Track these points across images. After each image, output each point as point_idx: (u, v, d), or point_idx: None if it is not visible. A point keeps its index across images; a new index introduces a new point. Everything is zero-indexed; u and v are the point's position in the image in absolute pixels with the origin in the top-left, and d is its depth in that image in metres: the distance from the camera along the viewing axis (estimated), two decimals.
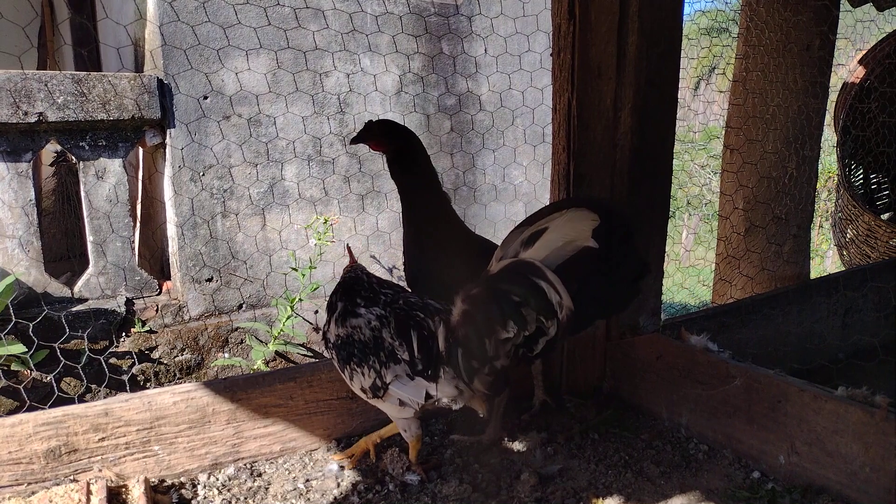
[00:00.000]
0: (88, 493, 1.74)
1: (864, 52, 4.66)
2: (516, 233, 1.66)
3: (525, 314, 1.61)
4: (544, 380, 2.34)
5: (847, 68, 4.76)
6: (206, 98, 4.39)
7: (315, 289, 4.54)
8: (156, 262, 4.93)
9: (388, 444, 2.09)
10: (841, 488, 1.75)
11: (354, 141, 2.08)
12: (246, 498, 1.86)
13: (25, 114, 3.80)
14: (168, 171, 4.38)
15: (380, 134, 2.07)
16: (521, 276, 1.60)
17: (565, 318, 1.59)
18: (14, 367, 3.74)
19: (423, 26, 5.10)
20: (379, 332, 1.76)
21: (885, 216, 5.06)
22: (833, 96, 4.38)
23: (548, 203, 2.41)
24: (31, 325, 3.64)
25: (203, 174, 4.43)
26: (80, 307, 4.11)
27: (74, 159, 4.15)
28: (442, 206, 2.11)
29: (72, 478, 1.83)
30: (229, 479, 1.95)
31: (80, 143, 4.09)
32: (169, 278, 4.65)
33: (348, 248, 2.09)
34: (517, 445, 2.11)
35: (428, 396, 1.72)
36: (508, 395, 2.13)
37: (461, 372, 1.68)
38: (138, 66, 4.67)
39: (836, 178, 5.30)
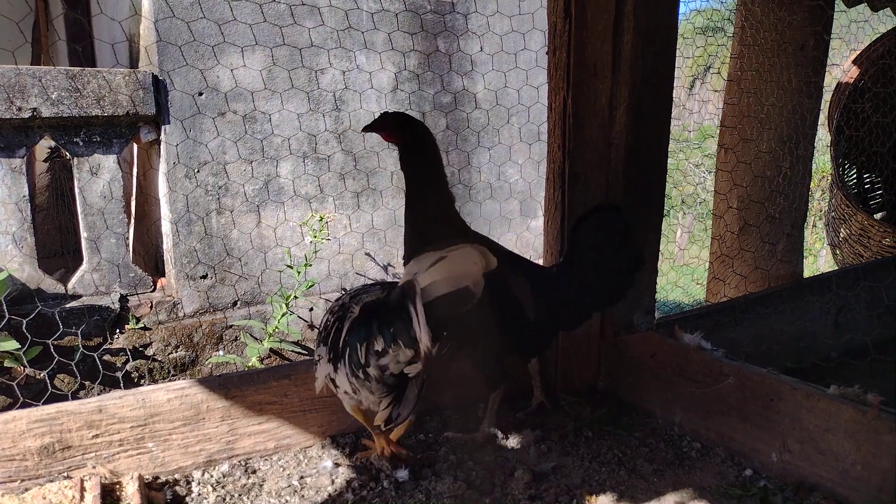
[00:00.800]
0: (82, 489, 1.73)
1: (858, 52, 4.67)
2: (433, 252, 1.63)
3: (395, 335, 1.58)
4: (542, 379, 2.34)
5: (841, 68, 4.78)
6: (201, 94, 4.38)
7: (310, 286, 4.53)
8: (150, 258, 4.92)
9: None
10: (833, 486, 1.76)
11: (367, 129, 2.08)
12: (240, 495, 1.86)
13: (19, 109, 3.78)
14: (163, 168, 4.36)
15: (392, 125, 2.07)
16: (403, 297, 1.58)
17: (423, 355, 1.56)
18: (7, 363, 3.73)
19: (418, 24, 5.09)
20: (329, 317, 1.86)
21: (878, 216, 5.08)
22: (827, 96, 4.39)
23: (542, 202, 2.42)
24: (24, 321, 3.63)
25: (198, 171, 4.42)
26: (73, 304, 4.09)
27: (68, 155, 4.13)
28: (442, 204, 2.10)
29: (65, 475, 1.82)
30: (224, 476, 1.95)
31: (75, 139, 4.07)
32: (163, 275, 4.64)
33: None
34: (511, 443, 2.12)
35: (334, 383, 1.78)
36: (503, 392, 2.14)
37: (346, 368, 1.70)
38: (133, 62, 4.66)
39: (829, 178, 5.33)
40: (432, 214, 2.07)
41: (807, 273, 4.47)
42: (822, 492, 1.78)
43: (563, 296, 2.04)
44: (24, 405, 3.07)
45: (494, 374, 2.12)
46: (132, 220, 4.74)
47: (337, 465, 1.99)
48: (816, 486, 1.79)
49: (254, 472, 1.98)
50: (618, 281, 2.05)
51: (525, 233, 5.75)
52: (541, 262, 2.53)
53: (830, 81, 4.53)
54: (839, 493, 1.75)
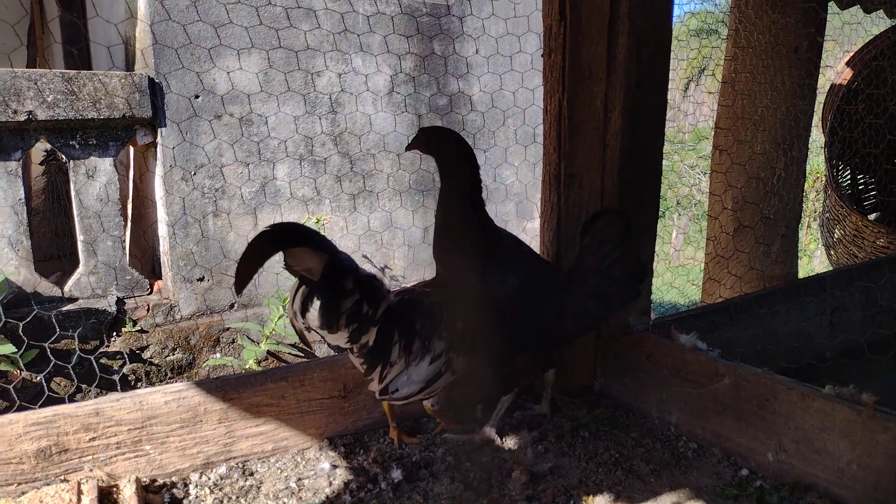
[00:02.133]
0: (79, 493, 1.73)
1: (851, 54, 4.70)
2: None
3: None
4: (553, 393, 2.34)
5: (834, 70, 4.81)
6: (197, 97, 4.38)
7: None
8: (147, 261, 4.92)
9: (374, 438, 2.11)
10: (828, 485, 1.77)
11: (408, 148, 2.11)
12: (238, 497, 1.86)
13: (15, 112, 3.77)
14: (159, 171, 4.36)
15: (423, 140, 2.10)
16: None
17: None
18: (4, 367, 3.72)
19: (414, 27, 5.10)
20: None
21: (872, 216, 5.11)
22: (821, 98, 4.41)
23: (538, 203, 2.44)
24: (20, 324, 3.62)
25: (194, 173, 4.42)
26: (70, 307, 4.09)
27: (65, 158, 4.13)
28: (465, 209, 2.09)
29: (62, 478, 1.82)
30: (221, 479, 1.95)
31: (71, 142, 4.07)
32: (160, 278, 4.63)
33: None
34: (508, 444, 2.12)
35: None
36: (514, 396, 2.15)
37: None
38: (129, 65, 4.65)
39: (823, 179, 5.35)
40: (456, 218, 2.08)
41: (801, 274, 4.49)
42: (818, 491, 1.78)
43: (572, 305, 2.05)
44: (20, 408, 3.06)
45: (509, 376, 2.12)
46: (128, 223, 4.73)
47: (335, 466, 1.99)
48: (812, 485, 1.80)
49: (251, 474, 1.98)
50: (624, 292, 2.05)
51: (521, 235, 5.76)
52: None
53: (824, 83, 4.55)
54: (835, 492, 1.75)
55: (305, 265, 1.70)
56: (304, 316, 1.77)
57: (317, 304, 1.75)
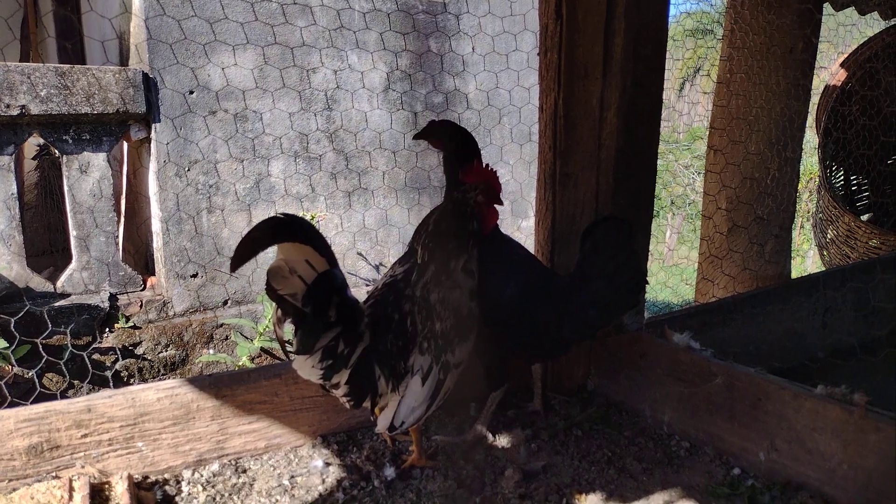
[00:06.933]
0: (71, 489, 1.73)
1: (845, 55, 4.72)
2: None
3: None
4: (542, 387, 2.34)
5: (829, 71, 4.83)
6: (191, 93, 4.36)
7: None
8: (140, 257, 4.90)
9: (368, 436, 2.11)
10: (819, 485, 1.78)
11: (417, 136, 2.13)
12: (230, 494, 1.86)
13: (7, 106, 3.75)
14: (153, 166, 4.35)
15: (434, 133, 2.12)
16: None
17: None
18: None
19: (410, 24, 5.09)
20: None
21: (864, 217, 5.13)
22: (815, 99, 4.43)
23: (533, 202, 2.44)
24: (12, 320, 3.60)
25: (188, 169, 4.40)
26: (62, 302, 4.07)
27: (58, 153, 4.11)
28: None
29: (54, 474, 1.81)
30: (214, 476, 1.94)
31: (64, 137, 4.05)
32: (153, 274, 4.61)
33: None
34: (502, 442, 2.13)
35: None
36: (504, 392, 2.15)
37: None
38: (123, 60, 4.63)
39: (817, 180, 5.38)
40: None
41: (794, 274, 4.51)
42: (809, 490, 1.79)
43: (572, 311, 2.03)
44: (11, 404, 3.04)
45: (499, 373, 2.12)
46: (122, 219, 4.71)
47: (328, 464, 1.99)
48: (803, 484, 1.81)
49: (244, 471, 1.98)
50: (624, 300, 2.04)
51: (516, 233, 5.77)
52: None
53: (818, 84, 4.57)
54: (826, 491, 1.76)
55: (292, 288, 1.55)
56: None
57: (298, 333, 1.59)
